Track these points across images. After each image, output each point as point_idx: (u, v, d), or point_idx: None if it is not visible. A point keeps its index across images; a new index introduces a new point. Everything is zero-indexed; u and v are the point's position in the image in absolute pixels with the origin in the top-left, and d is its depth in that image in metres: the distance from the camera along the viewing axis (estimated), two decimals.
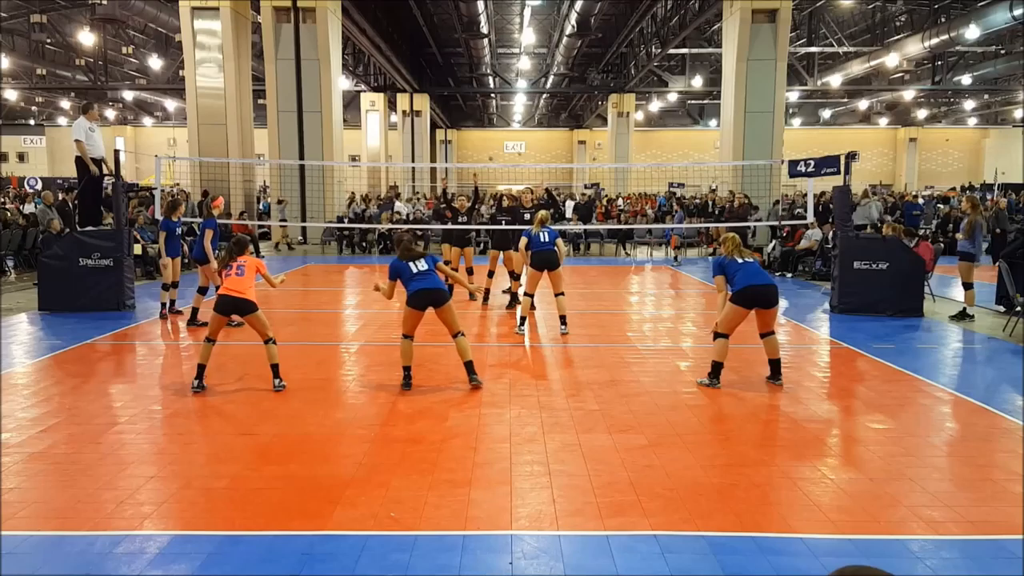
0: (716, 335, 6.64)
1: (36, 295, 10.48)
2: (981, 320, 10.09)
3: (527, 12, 28.55)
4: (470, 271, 11.25)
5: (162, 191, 12.20)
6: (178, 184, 24.56)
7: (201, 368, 6.41)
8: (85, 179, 10.75)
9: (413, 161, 36.03)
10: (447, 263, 10.85)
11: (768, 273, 6.74)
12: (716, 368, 6.63)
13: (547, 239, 8.75)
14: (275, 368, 6.52)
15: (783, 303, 11.65)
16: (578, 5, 23.59)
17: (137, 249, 12.82)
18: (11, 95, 36.22)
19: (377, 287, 6.74)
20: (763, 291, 6.39)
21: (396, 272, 6.51)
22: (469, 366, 6.54)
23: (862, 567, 1.48)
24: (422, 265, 6.48)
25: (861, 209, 16.50)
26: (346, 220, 20.26)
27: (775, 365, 6.72)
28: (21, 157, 48.13)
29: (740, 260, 6.56)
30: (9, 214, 16.85)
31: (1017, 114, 41.35)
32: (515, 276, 11.13)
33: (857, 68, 29.22)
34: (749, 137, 19.62)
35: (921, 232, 15.16)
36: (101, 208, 11.35)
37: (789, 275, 14.72)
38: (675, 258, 17.97)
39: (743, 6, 19.10)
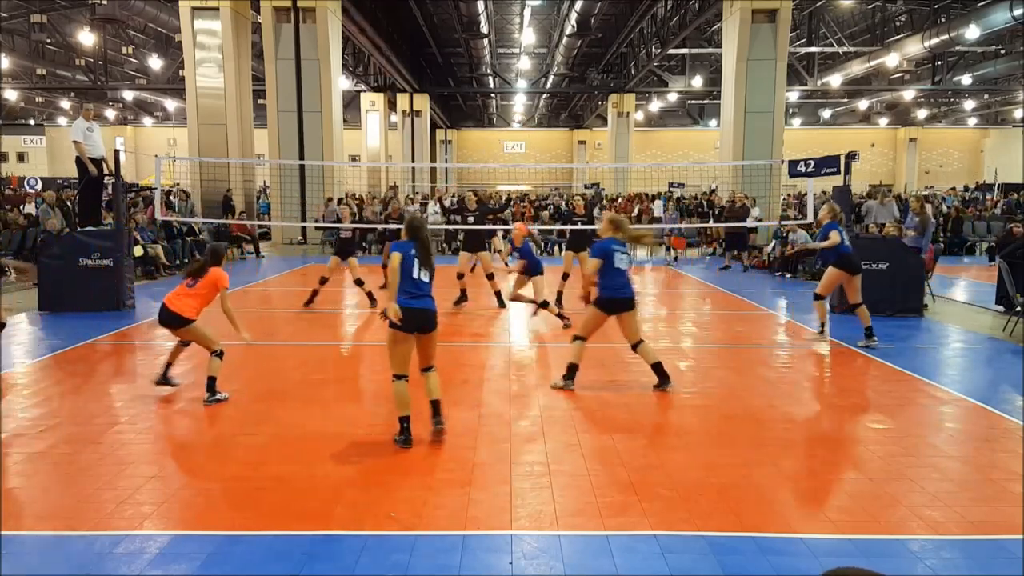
0: (575, 338, 6.56)
1: (36, 295, 10.48)
2: (981, 320, 10.09)
3: (527, 12, 28.56)
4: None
5: (161, 191, 12.20)
6: (178, 184, 24.59)
7: (168, 365, 6.36)
8: (85, 179, 10.77)
9: (413, 161, 36.04)
10: (460, 276, 10.67)
11: (631, 284, 6.52)
12: (571, 370, 6.51)
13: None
14: (210, 381, 6.06)
15: (783, 303, 11.67)
16: (578, 5, 23.60)
17: (137, 250, 12.82)
18: (11, 95, 36.21)
19: (383, 313, 5.30)
20: (624, 303, 6.39)
21: (399, 251, 5.15)
22: (435, 406, 5.24)
23: (851, 568, 1.47)
24: (424, 275, 5.18)
25: (882, 208, 16.48)
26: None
27: (658, 369, 6.47)
28: (21, 157, 48.14)
29: (616, 263, 6.36)
30: (9, 214, 16.86)
31: (1017, 114, 41.36)
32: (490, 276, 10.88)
33: (857, 68, 29.22)
34: (749, 137, 19.62)
35: None
36: (101, 208, 11.36)
37: (789, 275, 14.72)
38: (674, 258, 17.96)
39: (743, 6, 19.10)
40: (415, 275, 5.12)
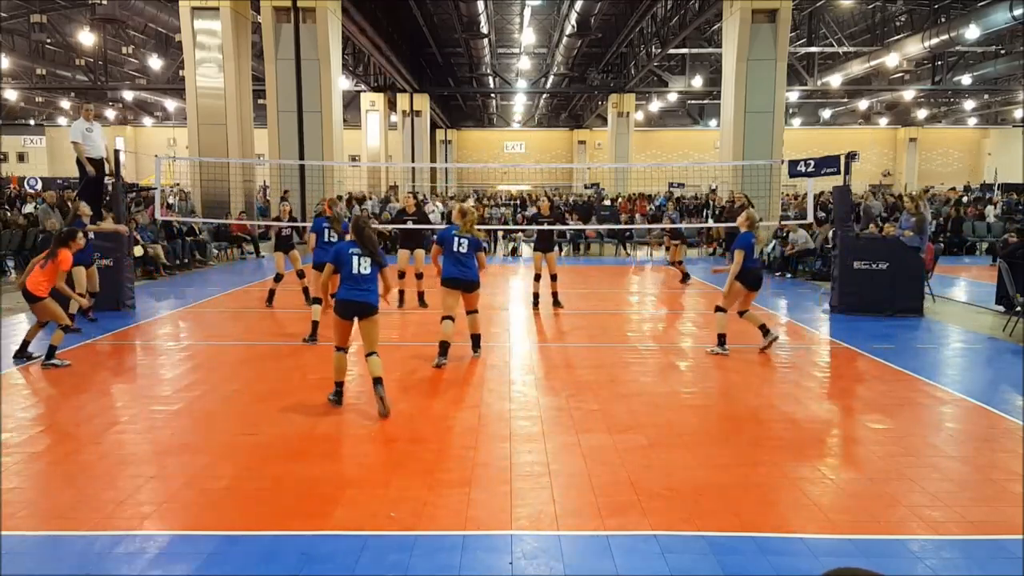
0: (443, 318, 7.44)
1: None
2: (981, 320, 10.09)
3: (527, 12, 28.55)
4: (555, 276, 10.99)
5: (162, 191, 12.20)
6: (178, 184, 24.59)
7: (25, 343, 7.37)
8: (84, 180, 10.78)
9: (413, 161, 36.04)
10: (402, 274, 10.88)
11: (472, 266, 7.47)
12: (443, 347, 7.42)
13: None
14: (50, 349, 7.15)
15: (783, 303, 11.67)
16: (578, 5, 23.59)
17: (137, 250, 12.82)
18: (11, 95, 36.21)
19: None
20: (463, 283, 7.41)
21: (336, 258, 5.94)
22: (377, 380, 5.83)
23: (852, 569, 1.47)
24: (365, 267, 5.85)
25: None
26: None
27: (476, 339, 7.72)
28: (21, 157, 48.16)
29: (455, 247, 7.35)
30: (9, 215, 16.87)
31: (1017, 114, 41.37)
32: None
33: (857, 68, 29.22)
34: (749, 137, 19.61)
35: None
36: (101, 208, 11.35)
37: (789, 275, 14.72)
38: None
39: (743, 6, 19.09)
40: (355, 270, 5.83)
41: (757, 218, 8.06)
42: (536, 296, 10.87)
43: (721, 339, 7.96)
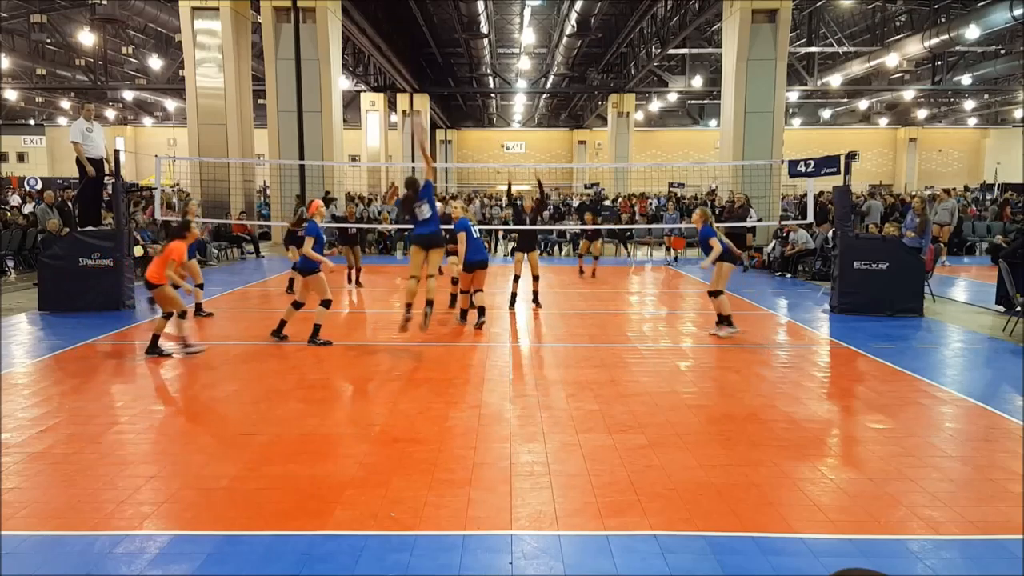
0: (462, 291, 9.25)
1: (36, 295, 10.48)
2: (981, 320, 10.09)
3: (527, 12, 28.55)
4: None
5: (162, 191, 12.19)
6: (178, 184, 24.60)
7: (155, 337, 7.68)
8: (84, 180, 10.78)
9: (413, 161, 36.03)
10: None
11: (485, 248, 9.34)
12: (480, 311, 9.12)
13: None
14: (154, 339, 7.61)
15: (783, 303, 11.68)
16: (578, 5, 23.60)
17: (138, 251, 12.81)
18: (11, 95, 36.22)
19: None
20: (480, 263, 9.03)
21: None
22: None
23: (862, 570, 1.47)
24: (426, 212, 7.99)
25: (944, 211, 16.76)
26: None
27: (482, 310, 9.15)
28: (21, 157, 48.16)
29: (475, 234, 9.09)
30: (9, 214, 16.87)
31: (1017, 114, 41.36)
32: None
33: (857, 68, 29.22)
34: (749, 137, 19.61)
35: None
36: (101, 208, 11.36)
37: (789, 275, 14.72)
38: (674, 258, 17.97)
39: (743, 6, 19.09)
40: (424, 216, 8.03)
41: (709, 212, 9.00)
42: (514, 296, 10.84)
43: (727, 319, 8.59)
